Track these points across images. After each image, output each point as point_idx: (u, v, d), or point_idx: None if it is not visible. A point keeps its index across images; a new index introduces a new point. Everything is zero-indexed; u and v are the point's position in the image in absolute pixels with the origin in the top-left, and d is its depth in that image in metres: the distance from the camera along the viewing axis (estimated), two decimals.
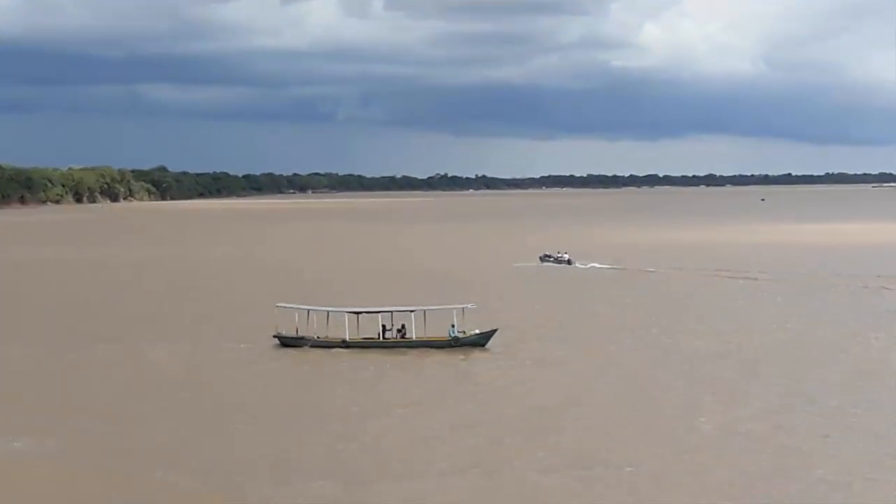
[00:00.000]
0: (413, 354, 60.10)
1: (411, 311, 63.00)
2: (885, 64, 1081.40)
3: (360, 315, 63.43)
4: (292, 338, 63.02)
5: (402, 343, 61.78)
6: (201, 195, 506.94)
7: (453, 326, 61.77)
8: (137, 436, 43.15)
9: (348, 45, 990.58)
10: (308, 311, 64.35)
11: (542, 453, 39.06)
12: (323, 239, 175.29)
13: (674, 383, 51.57)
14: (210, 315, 77.98)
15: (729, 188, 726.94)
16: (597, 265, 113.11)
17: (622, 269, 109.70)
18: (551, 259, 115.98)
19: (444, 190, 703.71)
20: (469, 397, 49.46)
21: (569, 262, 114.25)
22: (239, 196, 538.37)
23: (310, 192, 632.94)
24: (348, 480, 36.42)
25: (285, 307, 65.60)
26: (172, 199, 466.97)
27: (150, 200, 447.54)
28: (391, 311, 63.56)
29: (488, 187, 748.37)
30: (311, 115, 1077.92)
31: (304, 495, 35.02)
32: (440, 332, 61.87)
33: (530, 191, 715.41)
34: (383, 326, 62.49)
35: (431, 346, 61.08)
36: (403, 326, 62.50)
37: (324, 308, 65.32)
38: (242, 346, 63.98)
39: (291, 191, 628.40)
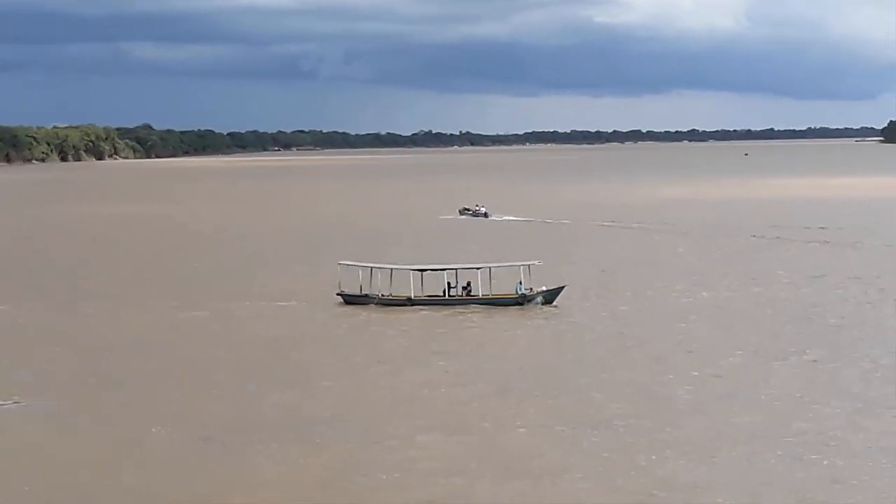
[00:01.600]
0: (481, 312, 59.74)
1: (477, 269, 62.59)
2: (867, 19, 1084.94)
3: (424, 272, 62.94)
4: (356, 296, 62.49)
5: (468, 300, 61.31)
6: (186, 153, 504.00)
7: (520, 283, 61.35)
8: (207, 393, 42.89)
9: (331, 2, 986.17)
10: (371, 268, 63.83)
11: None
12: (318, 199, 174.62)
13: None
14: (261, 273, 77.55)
15: (712, 143, 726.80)
16: (510, 218, 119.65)
17: (531, 221, 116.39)
18: (469, 212, 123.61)
19: (428, 147, 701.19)
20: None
21: (485, 215, 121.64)
22: (224, 154, 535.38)
23: (294, 149, 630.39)
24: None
25: (348, 265, 65.02)
26: (157, 156, 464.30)
27: (135, 158, 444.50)
28: (456, 269, 63.13)
29: (472, 144, 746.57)
30: (294, 72, 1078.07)
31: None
32: (505, 290, 61.53)
33: (514, 147, 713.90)
34: (448, 284, 62.03)
35: (498, 304, 60.68)
36: (469, 284, 62.04)
37: (388, 265, 64.77)
38: (303, 304, 63.52)
39: (276, 148, 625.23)
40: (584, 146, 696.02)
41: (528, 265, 62.70)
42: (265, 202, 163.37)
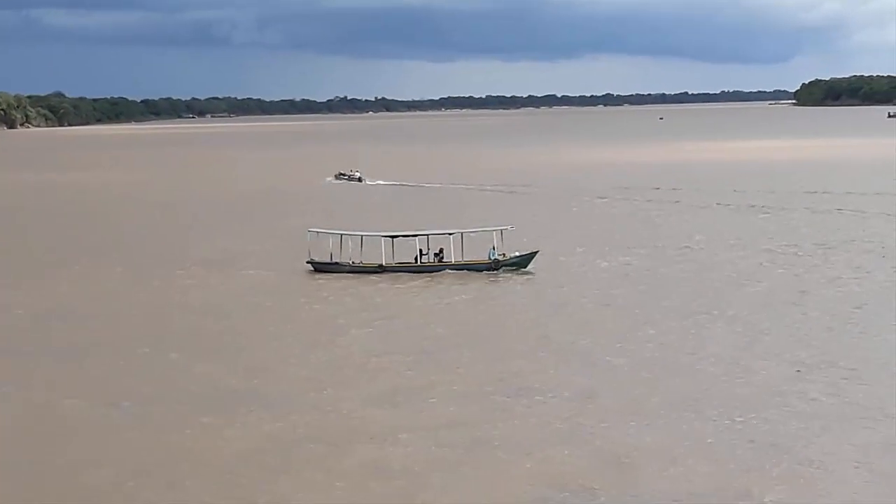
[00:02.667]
0: (452, 277, 59.21)
1: (449, 234, 61.72)
2: None
3: (395, 239, 62.19)
4: (327, 263, 61.57)
5: (441, 266, 60.63)
6: (99, 121, 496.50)
7: (493, 248, 60.74)
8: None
9: None
10: (341, 235, 62.92)
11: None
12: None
13: None
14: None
15: (627, 107, 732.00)
16: (381, 182, 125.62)
17: (403, 185, 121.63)
18: (345, 177, 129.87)
19: (344, 113, 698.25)
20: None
21: (359, 179, 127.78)
22: (138, 121, 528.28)
23: (208, 116, 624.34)
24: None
25: (318, 232, 64.07)
26: (70, 124, 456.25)
27: (48, 127, 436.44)
28: (427, 235, 62.36)
29: (388, 110, 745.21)
30: (208, 39, 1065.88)
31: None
32: (478, 255, 61.04)
33: (430, 113, 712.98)
34: (420, 251, 61.36)
35: (471, 269, 60.09)
36: (441, 250, 61.38)
37: (358, 232, 63.75)
38: (272, 272, 62.60)
39: (190, 115, 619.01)
40: (500, 111, 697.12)
41: (501, 230, 62.08)
42: (186, 169, 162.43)
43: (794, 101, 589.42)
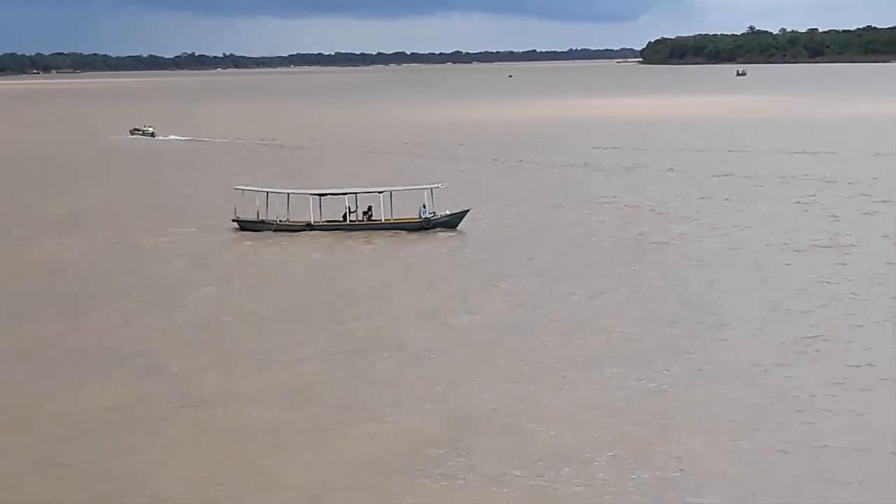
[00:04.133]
0: (381, 237, 58.53)
1: (379, 192, 61.11)
2: None
3: (323, 197, 61.24)
4: (252, 221, 60.42)
5: (370, 225, 59.97)
6: None
7: (424, 207, 60.25)
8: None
9: None
10: (267, 193, 61.73)
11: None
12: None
13: None
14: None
15: (476, 65, 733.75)
16: (174, 137, 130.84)
17: (192, 140, 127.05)
18: (139, 132, 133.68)
19: (192, 70, 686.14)
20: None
21: (152, 135, 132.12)
22: None
23: (54, 72, 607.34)
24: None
25: (244, 189, 62.76)
26: None
27: None
28: (356, 193, 61.50)
29: (237, 66, 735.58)
30: None
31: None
32: (408, 214, 60.48)
33: (279, 69, 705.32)
34: (348, 208, 60.55)
35: (401, 229, 59.50)
36: (370, 208, 60.62)
37: (285, 190, 62.67)
38: (193, 230, 61.27)
39: (35, 71, 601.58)
40: (349, 69, 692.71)
41: (432, 188, 61.71)
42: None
43: (640, 60, 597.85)
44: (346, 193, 61.23)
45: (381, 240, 57.35)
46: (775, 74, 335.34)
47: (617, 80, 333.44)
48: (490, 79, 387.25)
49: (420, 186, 62.80)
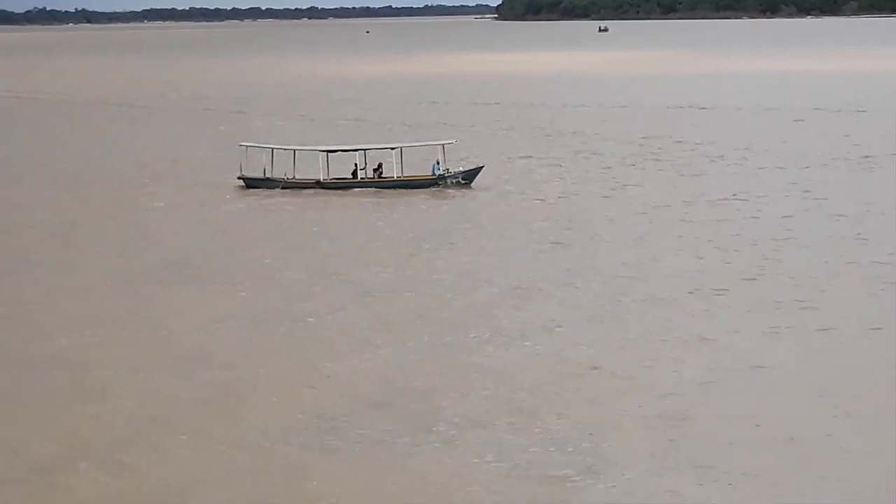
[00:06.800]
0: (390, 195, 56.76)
1: (391, 149, 59.44)
2: None
3: (331, 154, 59.28)
4: (259, 179, 58.34)
5: (382, 182, 58.34)
6: None
7: (437, 163, 58.74)
8: None
9: None
10: (273, 150, 59.63)
11: None
12: None
13: None
14: None
15: (332, 21, 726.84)
16: None
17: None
18: None
19: (43, 24, 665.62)
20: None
21: None
22: None
23: None
24: None
25: (248, 146, 60.43)
26: None
27: None
28: (365, 150, 59.70)
29: (89, 21, 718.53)
30: None
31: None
32: (420, 171, 58.96)
33: (132, 25, 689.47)
34: (356, 165, 58.82)
35: (413, 186, 57.96)
36: (380, 165, 59.02)
37: (291, 147, 60.63)
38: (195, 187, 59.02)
39: None
40: (203, 24, 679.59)
41: (444, 144, 60.28)
42: None
43: (496, 16, 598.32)
44: (355, 150, 59.49)
45: (414, 197, 55.64)
46: (635, 30, 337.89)
47: (473, 36, 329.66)
48: (347, 34, 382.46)
49: (432, 143, 61.44)
